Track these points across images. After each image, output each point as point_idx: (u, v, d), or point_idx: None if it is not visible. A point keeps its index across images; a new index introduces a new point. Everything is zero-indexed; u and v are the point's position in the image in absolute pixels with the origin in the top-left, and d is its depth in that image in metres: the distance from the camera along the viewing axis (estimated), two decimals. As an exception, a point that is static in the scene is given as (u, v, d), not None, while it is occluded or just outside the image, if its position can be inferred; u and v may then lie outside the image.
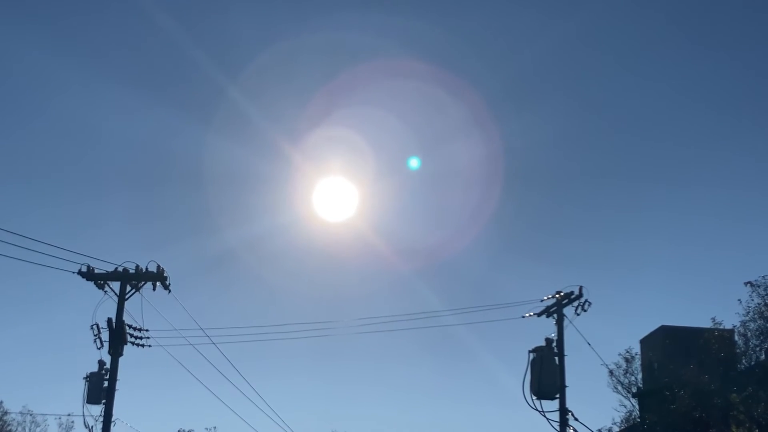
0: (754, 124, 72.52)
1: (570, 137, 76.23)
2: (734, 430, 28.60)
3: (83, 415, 26.76)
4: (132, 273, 26.62)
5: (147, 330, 27.50)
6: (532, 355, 27.48)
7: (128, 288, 26.73)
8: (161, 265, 26.70)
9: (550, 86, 75.85)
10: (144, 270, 26.60)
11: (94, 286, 26.65)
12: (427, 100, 61.16)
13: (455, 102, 59.48)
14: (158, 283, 26.69)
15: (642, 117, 75.02)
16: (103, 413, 26.35)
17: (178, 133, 71.72)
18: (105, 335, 26.36)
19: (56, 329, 70.96)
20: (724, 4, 73.05)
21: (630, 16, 70.87)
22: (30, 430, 48.72)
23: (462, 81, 63.07)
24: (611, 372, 37.61)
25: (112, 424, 26.46)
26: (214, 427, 50.76)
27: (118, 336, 26.32)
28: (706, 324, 34.18)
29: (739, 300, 32.54)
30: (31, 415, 48.45)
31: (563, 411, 27.31)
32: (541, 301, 29.02)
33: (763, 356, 32.78)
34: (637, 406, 37.72)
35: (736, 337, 34.03)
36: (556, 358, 27.77)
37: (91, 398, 26.75)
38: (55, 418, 49.37)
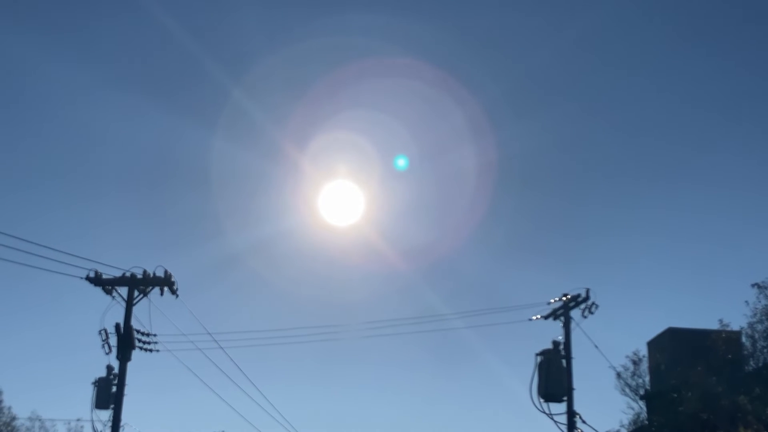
0: (761, 125, 72.40)
1: (576, 139, 76.12)
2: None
3: (92, 421, 26.78)
4: (140, 278, 26.70)
5: (155, 335, 27.62)
6: (539, 358, 27.51)
7: (136, 293, 26.80)
8: (169, 270, 26.81)
9: (561, 84, 75.74)
10: (152, 275, 26.68)
11: (102, 291, 26.74)
12: (435, 103, 61.14)
13: (465, 104, 59.39)
14: (166, 288, 26.77)
15: (648, 118, 74.94)
16: (111, 418, 26.40)
17: (184, 136, 71.77)
18: (113, 340, 26.43)
19: (64, 334, 71.04)
20: (724, 8, 72.99)
21: (631, 21, 70.87)
22: (38, 435, 48.69)
23: (469, 83, 63.14)
24: (618, 374, 37.59)
25: (121, 429, 26.53)
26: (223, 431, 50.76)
27: (126, 341, 26.40)
28: (714, 326, 34.17)
29: (746, 301, 32.50)
30: (39, 420, 48.47)
31: (571, 413, 27.34)
32: (548, 303, 29.06)
33: (770, 358, 32.74)
34: (644, 409, 37.69)
35: (744, 339, 34.00)
36: (564, 361, 27.79)
37: (100, 403, 26.79)
38: (64, 424, 49.31)
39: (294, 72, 66.30)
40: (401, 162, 57.43)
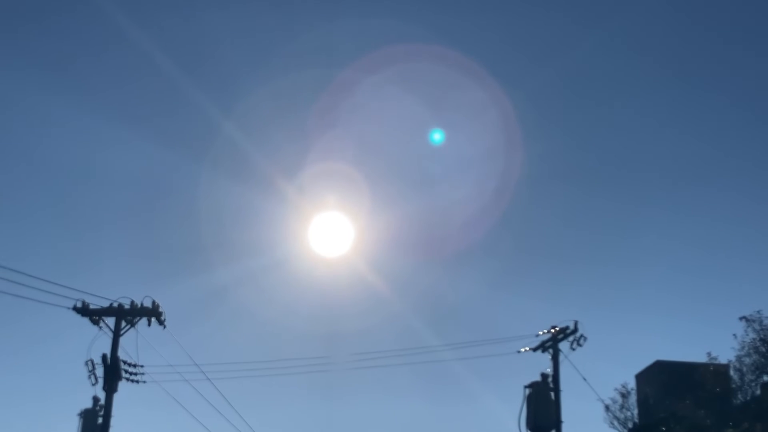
0: (751, 159, 72.97)
1: (567, 167, 76.42)
2: (730, 465, 28.55)
3: (77, 453, 26.61)
4: (127, 309, 26.56)
5: (142, 366, 27.41)
6: (527, 390, 27.48)
7: (123, 324, 26.64)
8: (156, 301, 26.70)
9: (558, 112, 76.09)
10: (139, 305, 26.54)
11: (89, 321, 26.54)
12: (422, 136, 61.48)
13: (451, 137, 59.75)
14: (153, 319, 26.62)
15: (640, 146, 75.34)
16: (97, 450, 26.21)
17: (173, 168, 71.76)
18: (99, 371, 26.22)
19: (50, 365, 70.44)
20: (728, 40, 73.86)
21: (634, 47, 71.64)
22: (23, 467, 48.28)
23: (459, 116, 63.32)
24: (607, 407, 37.54)
25: (106, 461, 26.28)
26: (209, 464, 50.27)
27: (112, 372, 26.21)
28: (702, 359, 34.25)
29: (734, 335, 32.63)
30: (23, 452, 48.11)
31: (559, 446, 27.25)
32: (537, 335, 29.06)
33: (758, 391, 32.78)
34: (633, 442, 37.60)
35: (732, 372, 34.05)
36: (552, 393, 27.76)
37: (86, 435, 26.63)
38: (49, 456, 49.01)
39: (283, 104, 66.65)
40: (437, 136, 57.01)
